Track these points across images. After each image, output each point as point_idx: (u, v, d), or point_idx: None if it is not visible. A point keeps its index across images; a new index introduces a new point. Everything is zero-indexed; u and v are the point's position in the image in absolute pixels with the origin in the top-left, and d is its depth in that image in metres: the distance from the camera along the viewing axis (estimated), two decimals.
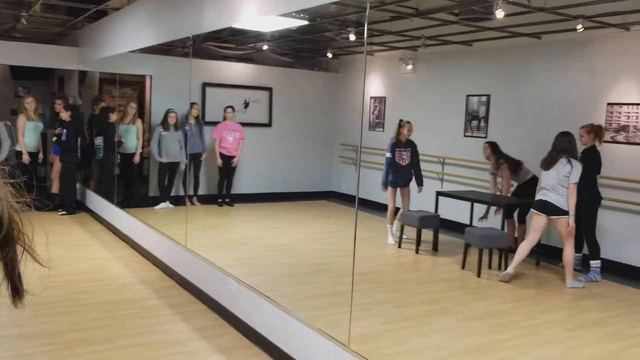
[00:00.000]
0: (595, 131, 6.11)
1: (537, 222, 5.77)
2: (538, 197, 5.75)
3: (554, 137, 5.78)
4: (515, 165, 6.94)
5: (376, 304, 4.98)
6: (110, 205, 7.75)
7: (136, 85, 12.35)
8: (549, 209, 5.62)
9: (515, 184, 7.13)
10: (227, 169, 9.39)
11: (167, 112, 8.90)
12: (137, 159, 8.98)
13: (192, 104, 8.90)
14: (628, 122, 6.54)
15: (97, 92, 10.91)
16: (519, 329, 4.55)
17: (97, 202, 8.46)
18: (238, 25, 5.10)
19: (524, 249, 5.78)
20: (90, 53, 9.08)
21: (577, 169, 5.52)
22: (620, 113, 6.61)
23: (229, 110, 9.45)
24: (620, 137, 6.58)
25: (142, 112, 11.96)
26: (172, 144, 8.89)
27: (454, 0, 5.95)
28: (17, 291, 0.85)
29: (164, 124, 8.88)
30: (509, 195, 7.13)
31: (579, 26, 6.13)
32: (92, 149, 9.00)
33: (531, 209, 5.87)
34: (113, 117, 8.85)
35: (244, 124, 9.69)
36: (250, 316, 4.20)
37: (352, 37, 7.46)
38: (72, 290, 5.17)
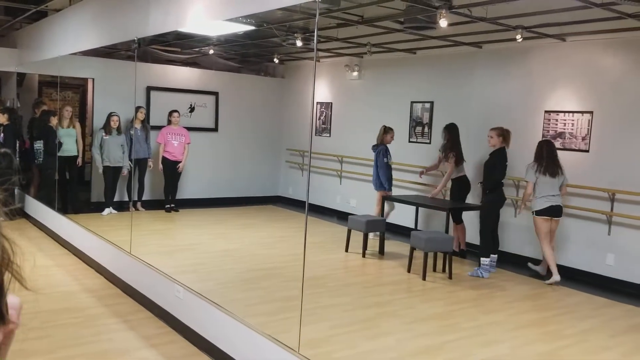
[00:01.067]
0: (504, 135, 6.51)
1: (547, 226, 6.23)
2: (547, 203, 6.18)
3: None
4: (459, 161, 7.16)
5: (325, 308, 5.02)
6: (51, 211, 7.52)
7: (77, 88, 12.03)
8: (560, 212, 6.25)
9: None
10: (173, 174, 9.24)
11: (110, 115, 8.65)
12: (79, 161, 8.74)
13: (137, 108, 8.72)
14: (564, 129, 6.83)
15: (37, 94, 10.57)
16: (463, 330, 4.67)
17: (36, 208, 8.19)
18: (184, 29, 5.07)
19: (550, 251, 6.25)
20: (29, 55, 8.80)
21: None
22: (557, 120, 6.90)
23: (175, 114, 9.28)
24: (557, 144, 6.85)
25: (84, 116, 11.67)
26: (114, 148, 8.67)
27: (398, 9, 6.07)
28: (2, 318, 0.82)
29: (106, 127, 8.65)
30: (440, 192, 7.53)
31: (518, 36, 6.36)
32: (31, 153, 8.70)
33: (541, 216, 6.21)
34: (54, 121, 8.59)
35: (189, 129, 9.57)
36: (198, 323, 4.16)
37: (299, 43, 7.50)
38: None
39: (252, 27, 6.47)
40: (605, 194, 6.43)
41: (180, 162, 9.23)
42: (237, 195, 10.41)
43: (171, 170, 9.20)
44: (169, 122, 9.27)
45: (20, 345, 3.55)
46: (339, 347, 4.16)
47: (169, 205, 9.20)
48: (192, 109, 10.22)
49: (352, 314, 4.96)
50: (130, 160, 8.73)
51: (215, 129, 10.41)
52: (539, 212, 6.24)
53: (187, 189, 9.80)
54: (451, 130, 7.24)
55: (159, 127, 9.33)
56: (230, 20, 4.55)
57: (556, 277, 6.17)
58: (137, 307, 4.95)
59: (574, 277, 6.51)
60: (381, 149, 7.69)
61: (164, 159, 9.12)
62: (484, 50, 7.61)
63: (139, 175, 9.07)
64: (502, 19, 6.07)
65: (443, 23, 5.60)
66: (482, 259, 6.38)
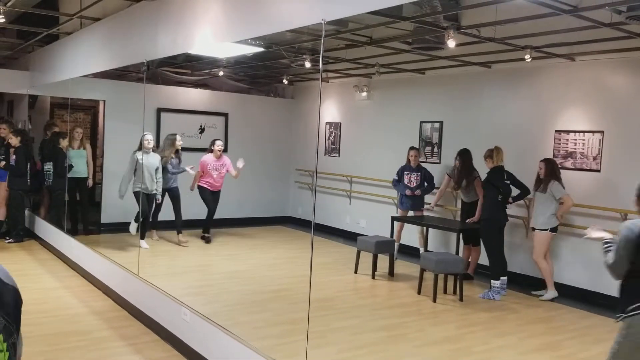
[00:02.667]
0: (490, 155, 6.61)
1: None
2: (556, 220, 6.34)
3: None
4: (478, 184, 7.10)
5: (333, 332, 4.95)
6: (60, 233, 7.53)
7: (89, 110, 12.15)
8: None
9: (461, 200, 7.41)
10: (212, 202, 8.62)
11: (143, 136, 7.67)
12: (90, 182, 8.78)
13: (172, 136, 8.34)
14: (575, 148, 6.77)
15: (49, 116, 10.67)
16: (474, 354, 4.59)
17: (46, 229, 8.21)
18: (192, 51, 5.10)
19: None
20: (41, 77, 8.89)
21: None
22: (567, 140, 6.84)
23: (218, 143, 8.61)
24: (568, 164, 6.79)
25: (95, 137, 11.76)
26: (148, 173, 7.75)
27: (406, 30, 6.08)
28: None
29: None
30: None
31: (527, 56, 6.33)
32: (42, 174, 8.76)
33: (552, 232, 6.34)
34: (63, 143, 8.65)
35: (199, 150, 9.58)
36: (205, 347, 4.12)
37: (307, 64, 7.53)
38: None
39: (260, 49, 6.50)
40: (617, 214, 6.34)
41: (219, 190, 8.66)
42: (247, 216, 10.39)
43: (211, 199, 8.57)
44: (211, 151, 8.61)
45: None
46: None
47: (206, 235, 8.61)
48: (202, 130, 10.26)
49: (360, 337, 4.88)
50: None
51: (225, 150, 10.41)
52: (553, 229, 6.36)
53: (197, 210, 9.78)
54: (463, 156, 7.18)
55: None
56: (239, 42, 4.58)
57: (553, 292, 6.32)
58: (144, 329, 4.91)
59: (588, 299, 6.41)
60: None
61: (201, 188, 8.52)
62: (493, 70, 7.60)
63: (174, 205, 8.45)
64: (511, 39, 6.06)
65: (451, 44, 5.59)
66: (492, 281, 6.31)
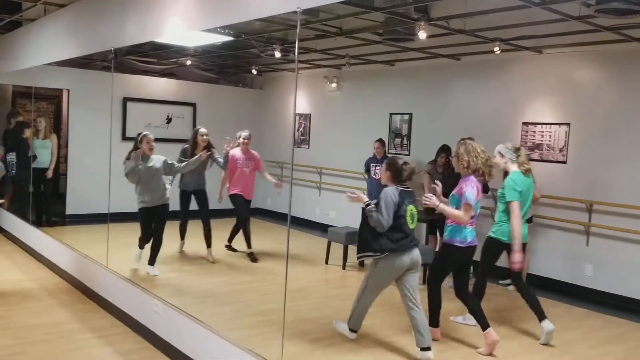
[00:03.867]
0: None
1: None
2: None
3: None
4: None
5: (305, 322, 4.95)
6: (25, 224, 7.34)
7: (52, 99, 11.83)
8: None
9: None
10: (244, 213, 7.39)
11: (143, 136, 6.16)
12: (49, 173, 8.54)
13: (198, 130, 7.16)
14: (542, 140, 6.89)
15: (11, 105, 10.37)
16: (443, 342, 4.64)
17: (10, 220, 7.99)
18: (162, 39, 5.01)
19: None
20: (3, 65, 8.63)
21: None
22: (534, 132, 6.96)
23: (244, 134, 7.45)
24: (535, 155, 6.91)
25: (59, 127, 11.47)
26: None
27: (377, 21, 6.07)
28: None
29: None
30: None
31: (496, 48, 6.41)
32: (4, 165, 8.52)
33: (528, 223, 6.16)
34: (28, 133, 8.43)
35: (166, 140, 9.42)
36: (178, 338, 4.07)
37: (277, 54, 7.48)
38: None
39: (229, 38, 6.43)
40: (583, 205, 6.49)
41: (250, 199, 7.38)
42: (216, 208, 10.28)
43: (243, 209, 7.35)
44: (238, 146, 7.37)
45: None
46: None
47: (251, 253, 7.24)
48: (169, 120, 10.11)
49: (328, 328, 4.88)
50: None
51: None
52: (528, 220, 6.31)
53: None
54: (449, 152, 7.12)
55: (134, 139, 9.16)
56: (209, 30, 4.51)
57: None
58: (113, 321, 4.83)
59: (553, 288, 6.55)
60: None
61: (234, 196, 7.33)
62: (462, 63, 7.67)
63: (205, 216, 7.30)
64: (480, 31, 6.12)
65: (422, 35, 5.62)
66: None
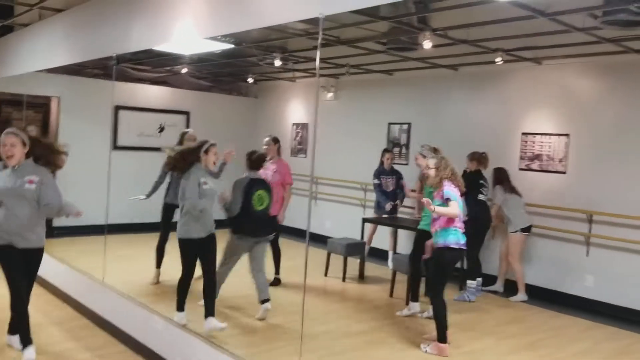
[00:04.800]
0: (477, 158, 6.61)
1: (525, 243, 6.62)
2: (529, 220, 6.52)
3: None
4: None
5: (310, 338, 4.82)
6: None
7: (40, 107, 11.61)
8: None
9: None
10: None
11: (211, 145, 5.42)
12: None
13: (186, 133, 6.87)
14: (541, 151, 6.85)
15: None
16: (457, 356, 4.55)
17: None
18: (169, 46, 4.87)
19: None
20: None
21: None
22: (534, 142, 6.92)
23: (267, 140, 6.63)
24: (535, 165, 6.87)
25: (47, 136, 11.25)
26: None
27: (379, 31, 5.98)
28: None
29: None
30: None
31: (498, 59, 6.37)
32: None
33: (525, 233, 6.48)
34: None
35: (159, 149, 9.25)
36: (180, 357, 3.93)
37: (277, 63, 7.38)
38: None
39: (230, 46, 6.32)
40: (583, 215, 6.45)
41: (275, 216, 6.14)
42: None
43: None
44: None
45: None
46: None
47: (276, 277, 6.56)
48: (161, 129, 9.96)
49: (340, 342, 4.78)
50: None
51: None
52: (524, 229, 6.46)
53: (153, 212, 9.48)
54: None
55: (126, 148, 9.03)
56: (211, 37, 4.40)
57: (524, 296, 6.47)
58: (109, 339, 4.67)
59: (553, 299, 6.50)
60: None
61: None
62: (460, 73, 7.62)
63: None
64: (482, 41, 6.07)
65: (427, 45, 5.56)
66: (468, 281, 6.30)
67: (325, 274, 6.95)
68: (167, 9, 4.46)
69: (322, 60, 7.68)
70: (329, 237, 7.37)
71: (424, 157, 5.32)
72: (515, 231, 6.44)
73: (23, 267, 4.01)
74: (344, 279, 6.81)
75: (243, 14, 3.69)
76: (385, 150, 7.66)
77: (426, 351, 4.61)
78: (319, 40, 3.28)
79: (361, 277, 6.96)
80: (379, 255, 7.87)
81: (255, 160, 5.40)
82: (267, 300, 5.09)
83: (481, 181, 6.53)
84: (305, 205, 9.61)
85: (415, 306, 5.63)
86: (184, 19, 4.26)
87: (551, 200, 6.68)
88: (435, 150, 5.45)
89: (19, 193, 3.93)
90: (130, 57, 8.05)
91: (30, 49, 6.94)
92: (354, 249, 6.92)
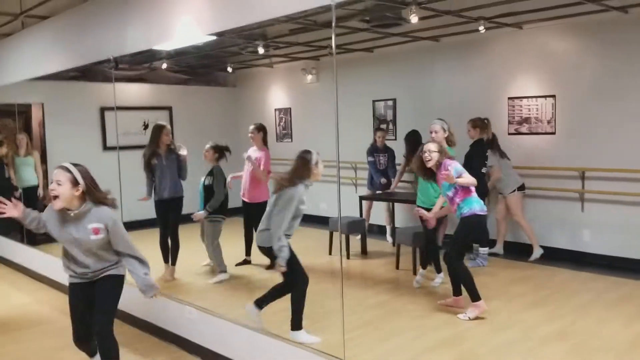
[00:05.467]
0: (480, 125, 6.55)
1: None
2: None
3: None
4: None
5: (330, 314, 4.95)
6: (19, 245, 7.12)
7: (19, 115, 11.42)
8: None
9: None
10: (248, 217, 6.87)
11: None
12: (41, 192, 8.30)
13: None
14: (529, 114, 7.04)
15: None
16: (471, 320, 4.72)
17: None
18: (168, 45, 4.87)
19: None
20: None
21: None
22: (521, 106, 7.11)
23: (251, 129, 6.88)
24: (524, 129, 7.07)
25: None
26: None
27: (355, 10, 6.00)
28: None
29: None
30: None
31: (481, 27, 6.51)
32: None
33: (522, 191, 6.75)
34: (2, 151, 8.15)
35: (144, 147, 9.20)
36: (216, 342, 4.03)
37: (261, 51, 7.42)
38: (6, 340, 4.68)
39: (213, 37, 6.32)
40: (576, 173, 6.68)
41: (256, 203, 6.53)
42: (199, 210, 10.16)
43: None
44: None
45: None
46: (356, 351, 4.10)
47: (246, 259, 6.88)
48: (146, 127, 9.92)
49: (359, 316, 4.91)
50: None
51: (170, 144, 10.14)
52: (520, 188, 6.70)
53: (142, 208, 9.47)
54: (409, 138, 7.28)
55: (115, 149, 8.97)
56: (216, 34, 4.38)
57: (539, 250, 6.68)
58: (140, 334, 4.75)
59: (553, 256, 6.73)
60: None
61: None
62: (442, 44, 7.75)
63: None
64: (465, 11, 6.20)
65: (414, 19, 5.65)
66: (480, 248, 6.46)
67: (330, 253, 7.08)
68: (166, 5, 4.47)
69: (306, 43, 7.74)
70: (327, 218, 7.48)
71: (444, 130, 5.65)
72: (513, 191, 6.66)
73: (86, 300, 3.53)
74: (348, 256, 6.96)
75: (248, 6, 3.72)
76: (378, 129, 7.86)
77: (468, 318, 4.71)
78: (333, 27, 3.33)
79: (364, 253, 7.11)
80: (375, 231, 8.04)
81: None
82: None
83: (485, 153, 6.50)
84: None
85: (422, 272, 5.83)
86: (183, 16, 4.28)
87: (543, 162, 6.88)
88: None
89: (83, 244, 3.36)
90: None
91: (17, 58, 6.86)
92: (355, 226, 7.06)
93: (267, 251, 4.23)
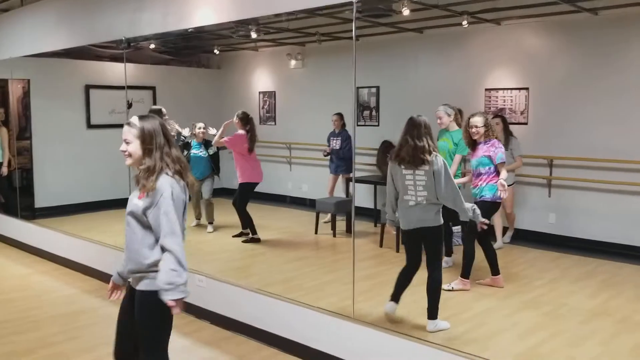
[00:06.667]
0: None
1: None
2: None
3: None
4: None
5: (326, 284, 5.35)
6: (13, 220, 7.27)
7: None
8: None
9: None
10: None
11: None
12: (4, 170, 8.39)
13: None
14: (504, 105, 7.53)
15: None
16: (453, 295, 5.18)
17: None
18: (185, 28, 5.03)
19: None
20: None
21: None
22: (497, 97, 7.59)
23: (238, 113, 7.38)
24: (499, 119, 7.53)
25: (7, 120, 11.09)
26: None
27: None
28: None
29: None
30: None
31: (464, 22, 6.93)
32: None
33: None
34: None
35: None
36: (226, 308, 4.37)
37: (253, 35, 7.67)
38: (11, 310, 4.91)
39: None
40: (544, 161, 7.20)
41: (253, 182, 7.21)
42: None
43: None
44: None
45: (55, 348, 3.63)
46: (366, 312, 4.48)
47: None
48: (130, 105, 10.06)
49: (356, 286, 5.29)
50: None
51: None
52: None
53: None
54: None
55: (99, 127, 9.19)
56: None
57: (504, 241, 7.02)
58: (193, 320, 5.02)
59: (522, 237, 7.25)
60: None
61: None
62: (425, 35, 8.15)
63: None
64: (450, 5, 6.60)
65: (405, 12, 6.01)
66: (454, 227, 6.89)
67: (316, 232, 7.46)
68: None
69: (296, 30, 8.04)
70: (307, 199, 7.89)
71: (449, 115, 5.93)
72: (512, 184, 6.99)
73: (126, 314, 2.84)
74: (334, 235, 7.35)
75: None
76: (335, 114, 8.27)
77: (452, 288, 5.17)
78: (353, 24, 3.59)
79: (348, 232, 7.51)
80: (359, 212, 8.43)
81: None
82: None
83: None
84: (279, 171, 10.06)
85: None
86: (203, 2, 4.52)
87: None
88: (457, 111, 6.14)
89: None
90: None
91: (14, 34, 6.96)
92: (341, 206, 7.45)
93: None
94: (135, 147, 2.68)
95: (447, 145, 5.92)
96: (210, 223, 7.73)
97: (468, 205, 4.29)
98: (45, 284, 5.66)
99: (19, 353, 3.99)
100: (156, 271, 2.58)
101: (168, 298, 2.50)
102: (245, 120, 7.20)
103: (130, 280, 2.80)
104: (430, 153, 4.15)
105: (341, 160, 8.11)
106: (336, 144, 8.18)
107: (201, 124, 7.79)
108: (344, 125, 8.24)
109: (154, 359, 2.73)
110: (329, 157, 8.27)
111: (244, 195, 7.05)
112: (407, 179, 4.21)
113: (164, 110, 7.76)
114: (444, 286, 5.17)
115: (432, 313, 4.31)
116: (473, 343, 3.96)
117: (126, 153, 2.71)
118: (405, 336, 3.59)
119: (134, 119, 2.71)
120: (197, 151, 7.81)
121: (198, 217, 8.04)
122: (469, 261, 5.29)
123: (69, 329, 4.43)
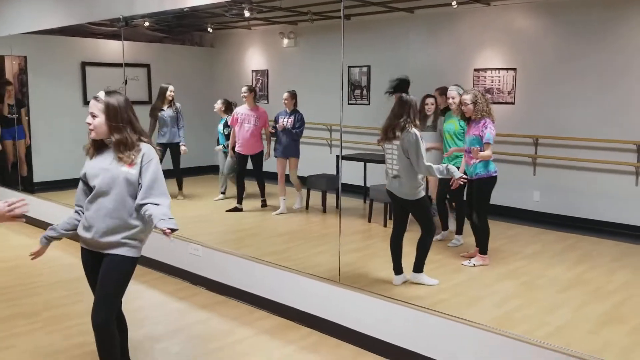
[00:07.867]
0: (445, 94, 6.78)
1: None
2: None
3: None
4: None
5: (316, 255, 5.58)
6: (10, 192, 7.44)
7: None
8: None
9: None
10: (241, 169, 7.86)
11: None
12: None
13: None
14: (492, 85, 7.73)
15: None
16: (434, 262, 5.42)
17: None
18: (186, 6, 5.15)
19: None
20: None
21: None
22: (485, 77, 7.78)
23: (243, 90, 7.95)
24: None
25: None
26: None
27: None
28: None
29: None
30: None
31: (454, 2, 7.11)
32: None
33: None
34: None
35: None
36: (221, 274, 4.59)
37: (247, 14, 7.81)
38: (16, 277, 5.13)
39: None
40: (530, 140, 7.43)
41: (253, 154, 7.74)
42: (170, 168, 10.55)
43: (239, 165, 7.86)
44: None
45: (60, 310, 3.86)
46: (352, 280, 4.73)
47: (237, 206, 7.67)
48: (125, 82, 10.19)
49: (344, 257, 5.52)
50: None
51: (149, 102, 10.46)
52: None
53: None
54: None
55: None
56: None
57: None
58: (146, 270, 5.25)
59: (506, 214, 7.49)
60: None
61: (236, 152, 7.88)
62: (416, 15, 8.31)
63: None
64: None
65: None
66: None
67: (306, 208, 7.68)
68: None
69: (288, 9, 8.18)
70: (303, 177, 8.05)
71: (459, 94, 5.77)
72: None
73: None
74: (324, 210, 7.57)
75: None
76: (287, 92, 7.94)
77: (473, 265, 5.38)
78: (342, 4, 3.78)
79: (337, 208, 7.73)
80: (347, 189, 8.66)
81: None
82: None
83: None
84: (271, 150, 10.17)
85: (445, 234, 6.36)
86: None
87: (501, 129, 7.47)
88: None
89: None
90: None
91: (12, 11, 7.06)
92: (331, 183, 7.66)
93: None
94: (100, 122, 2.91)
95: (453, 127, 6.04)
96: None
97: (440, 166, 4.56)
98: (47, 253, 5.66)
99: (24, 314, 4.22)
100: (136, 239, 2.98)
101: (164, 225, 2.71)
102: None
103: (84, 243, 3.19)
104: (403, 129, 4.41)
105: (292, 141, 7.65)
106: (289, 123, 7.62)
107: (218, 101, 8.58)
108: (295, 104, 7.85)
109: (110, 305, 3.09)
110: (274, 138, 7.83)
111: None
112: (387, 152, 4.69)
113: (171, 87, 8.57)
114: (464, 262, 5.44)
115: (417, 266, 4.82)
116: (452, 309, 4.21)
117: (90, 126, 2.93)
118: (387, 298, 3.83)
119: (101, 94, 2.92)
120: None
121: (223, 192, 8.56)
122: (482, 236, 5.47)
123: (72, 293, 4.65)
